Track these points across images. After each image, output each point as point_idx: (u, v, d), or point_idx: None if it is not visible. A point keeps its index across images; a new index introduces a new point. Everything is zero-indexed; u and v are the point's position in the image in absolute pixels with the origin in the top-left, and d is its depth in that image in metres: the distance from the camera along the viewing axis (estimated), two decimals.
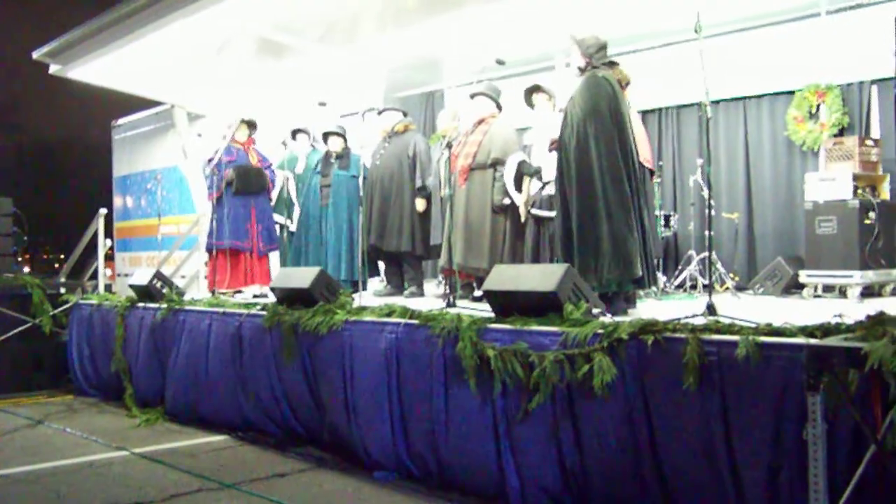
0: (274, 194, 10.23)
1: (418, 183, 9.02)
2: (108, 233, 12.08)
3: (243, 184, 9.76)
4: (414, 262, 9.19)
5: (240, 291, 9.56)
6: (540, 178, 7.56)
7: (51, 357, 9.90)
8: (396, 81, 11.92)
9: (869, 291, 7.87)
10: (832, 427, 3.44)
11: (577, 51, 6.49)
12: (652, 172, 8.41)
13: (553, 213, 7.21)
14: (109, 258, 13.51)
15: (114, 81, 12.24)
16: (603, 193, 6.01)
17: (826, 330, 3.84)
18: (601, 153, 6.06)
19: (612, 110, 6.21)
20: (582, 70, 6.47)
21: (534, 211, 7.60)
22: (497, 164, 8.01)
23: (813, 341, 3.63)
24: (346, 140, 9.91)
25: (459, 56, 10.84)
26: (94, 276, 11.33)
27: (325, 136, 9.94)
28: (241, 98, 11.77)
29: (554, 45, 9.81)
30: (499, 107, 8.45)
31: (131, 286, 9.06)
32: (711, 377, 4.03)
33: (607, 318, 4.96)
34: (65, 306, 9.90)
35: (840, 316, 3.97)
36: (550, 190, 7.32)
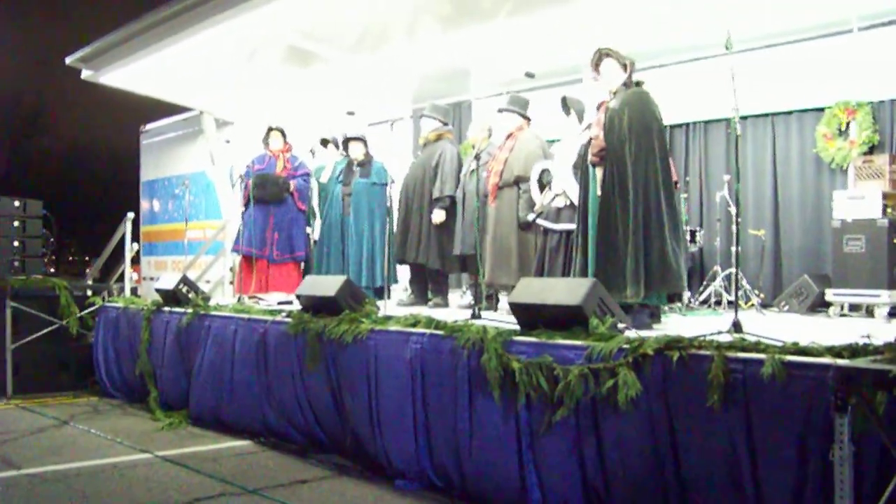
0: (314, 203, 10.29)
1: (435, 193, 8.95)
2: (135, 236, 12.16)
3: (260, 192, 9.88)
4: (437, 273, 9.18)
5: (256, 297, 9.58)
6: (550, 188, 7.57)
7: (77, 358, 9.98)
8: (424, 91, 11.97)
9: None
10: (858, 449, 3.42)
11: (619, 66, 6.54)
12: (676, 184, 8.41)
13: (557, 227, 7.27)
14: (135, 261, 13.60)
15: (144, 87, 12.38)
16: (657, 207, 6.18)
17: (853, 350, 3.81)
18: (658, 168, 6.25)
19: (663, 128, 6.53)
20: (626, 85, 6.51)
21: (539, 221, 7.60)
22: (520, 181, 8.01)
23: (841, 362, 3.61)
24: (366, 146, 9.92)
25: (488, 67, 10.88)
26: (121, 278, 11.41)
27: (346, 142, 9.97)
28: (270, 106, 11.84)
29: (583, 58, 9.80)
30: (526, 118, 8.43)
31: (157, 290, 9.11)
32: (736, 395, 4.01)
33: (632, 333, 4.96)
34: (91, 308, 9.96)
35: (868, 336, 3.95)
36: (559, 203, 7.36)
